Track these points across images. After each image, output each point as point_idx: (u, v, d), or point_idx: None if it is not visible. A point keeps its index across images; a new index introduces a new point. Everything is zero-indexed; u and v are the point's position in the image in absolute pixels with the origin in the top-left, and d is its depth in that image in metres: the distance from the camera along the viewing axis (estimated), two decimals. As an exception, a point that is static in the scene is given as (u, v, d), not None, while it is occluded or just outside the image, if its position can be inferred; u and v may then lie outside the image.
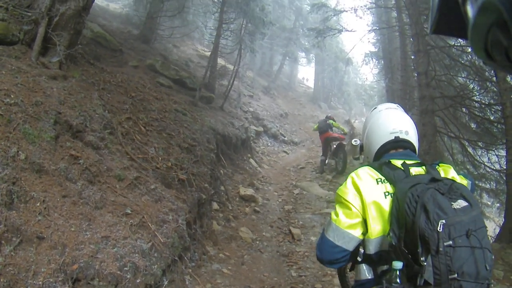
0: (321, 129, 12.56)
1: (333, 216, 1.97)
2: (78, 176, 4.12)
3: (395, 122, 2.19)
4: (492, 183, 13.09)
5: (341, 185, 2.02)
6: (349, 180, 1.98)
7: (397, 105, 2.39)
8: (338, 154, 12.00)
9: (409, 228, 1.69)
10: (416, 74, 13.51)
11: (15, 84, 4.36)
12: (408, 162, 2.02)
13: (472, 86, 12.95)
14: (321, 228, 7.62)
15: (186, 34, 15.53)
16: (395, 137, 2.15)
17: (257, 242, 6.71)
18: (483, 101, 12.20)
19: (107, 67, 6.94)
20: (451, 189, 1.75)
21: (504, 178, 11.25)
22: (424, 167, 2.04)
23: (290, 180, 11.16)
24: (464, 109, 12.86)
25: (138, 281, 3.55)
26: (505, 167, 10.57)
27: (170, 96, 8.21)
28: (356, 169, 2.05)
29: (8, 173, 3.37)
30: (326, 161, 12.43)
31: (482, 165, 12.88)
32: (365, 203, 1.87)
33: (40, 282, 2.83)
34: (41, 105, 4.39)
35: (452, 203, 1.68)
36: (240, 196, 8.39)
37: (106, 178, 4.48)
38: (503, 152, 12.13)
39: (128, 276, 3.46)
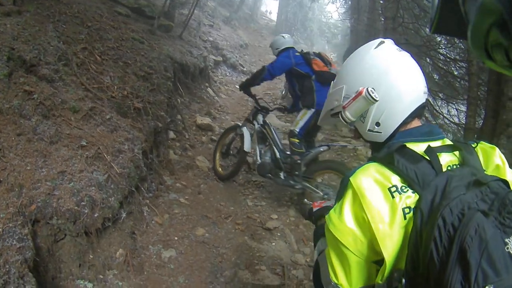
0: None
1: (332, 275, 1.25)
2: (32, 112, 3.96)
3: (421, 75, 1.44)
4: (449, 134, 13.51)
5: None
6: (346, 203, 1.23)
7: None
8: None
9: (432, 283, 1.00)
10: (383, 18, 13.35)
11: (-33, 22, 4.03)
12: (433, 144, 1.31)
13: (440, 39, 12.83)
14: None
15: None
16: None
17: (213, 171, 6.68)
18: (448, 55, 12.20)
19: (62, -1, 6.41)
20: (504, 206, 1.03)
21: (462, 132, 11.64)
22: (457, 151, 1.32)
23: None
24: (428, 60, 12.88)
25: (96, 215, 3.54)
26: (464, 122, 10.88)
27: (127, 25, 7.77)
28: (355, 170, 1.28)
29: None
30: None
31: (441, 116, 13.18)
32: (377, 242, 1.14)
33: (0, 229, 2.79)
34: (-7, 43, 4.10)
35: (508, 241, 0.96)
36: (197, 125, 8.31)
37: (61, 111, 4.31)
38: (463, 107, 12.43)
39: (86, 211, 3.44)
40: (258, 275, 4.34)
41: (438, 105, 13.31)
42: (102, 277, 3.58)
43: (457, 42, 11.66)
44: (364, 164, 1.28)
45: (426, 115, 13.77)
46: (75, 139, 4.10)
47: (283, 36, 6.35)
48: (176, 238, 4.69)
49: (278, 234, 5.18)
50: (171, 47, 9.04)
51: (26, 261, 2.76)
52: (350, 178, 1.23)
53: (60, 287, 3.21)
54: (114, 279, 3.68)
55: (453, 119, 13.26)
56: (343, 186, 1.27)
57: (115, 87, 5.56)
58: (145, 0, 9.97)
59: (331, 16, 33.98)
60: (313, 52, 6.03)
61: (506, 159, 1.39)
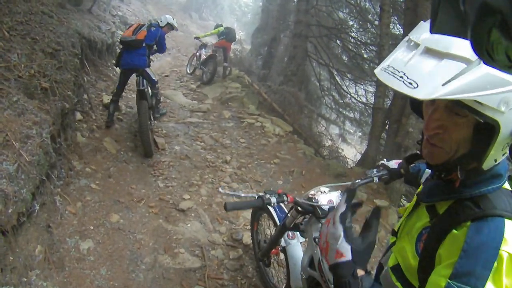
0: (228, 36, 12.38)
1: None
2: None
3: None
4: (356, 113, 14.48)
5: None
6: (504, 277, 1.06)
7: None
8: (208, 64, 12.01)
9: None
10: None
11: None
12: None
13: (352, 23, 13.58)
14: (184, 137, 7.89)
15: None
16: None
17: (122, 153, 6.76)
18: (359, 39, 13.02)
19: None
20: None
21: (369, 111, 12.54)
22: None
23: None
24: (338, 42, 13.61)
25: (9, 210, 3.37)
26: (371, 102, 11.73)
27: (37, -3, 7.42)
28: (493, 236, 1.12)
29: None
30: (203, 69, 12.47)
31: (348, 96, 14.08)
32: None
33: None
34: None
35: None
36: (104, 105, 8.21)
37: None
38: (371, 88, 13.39)
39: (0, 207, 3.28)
40: (178, 259, 4.50)
41: (346, 85, 14.30)
42: (25, 279, 3.48)
43: (370, 27, 12.65)
44: (495, 222, 1.16)
45: (333, 94, 14.76)
46: None
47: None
48: (91, 227, 4.71)
49: (192, 214, 5.35)
50: (79, 21, 8.81)
51: None
52: (503, 248, 1.09)
53: None
54: (38, 280, 3.62)
55: (360, 98, 14.41)
56: (490, 256, 1.10)
57: (22, 65, 5.39)
58: (56, -30, 9.51)
59: None
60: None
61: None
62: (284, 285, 3.55)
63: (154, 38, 7.55)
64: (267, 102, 11.42)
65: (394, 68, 1.12)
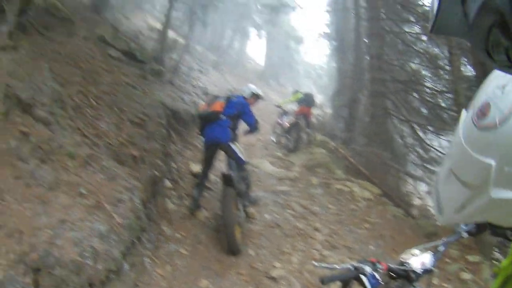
0: (307, 102, 12.24)
1: None
2: (29, 154, 3.83)
3: None
4: None
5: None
6: None
7: None
8: (291, 132, 11.83)
9: None
10: (368, 57, 13.59)
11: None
12: None
13: (424, 72, 13.14)
14: (274, 205, 7.64)
15: (137, 5, 14.79)
16: None
17: (211, 220, 6.54)
18: (435, 88, 12.49)
19: (57, 38, 6.44)
20: None
21: None
22: None
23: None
24: (415, 94, 13.14)
25: (99, 267, 3.36)
26: None
27: (120, 69, 7.78)
28: None
29: None
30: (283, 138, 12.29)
31: (432, 149, 13.32)
32: None
33: (1, 276, 2.59)
34: (-10, 77, 3.99)
35: None
36: (191, 173, 8.06)
37: (58, 156, 4.19)
38: None
39: (89, 263, 3.27)
40: None
41: (428, 138, 13.44)
42: None
43: (442, 73, 12.00)
44: None
45: (417, 149, 13.95)
46: (74, 186, 3.95)
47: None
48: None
49: (283, 282, 5.12)
50: (162, 92, 9.06)
51: None
52: None
53: None
54: None
55: (444, 150, 13.40)
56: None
57: (112, 133, 5.48)
58: (137, 44, 10.10)
59: (317, 58, 34.79)
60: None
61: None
62: None
63: (236, 108, 6.43)
64: (353, 165, 11.02)
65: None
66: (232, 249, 5.53)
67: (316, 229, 6.77)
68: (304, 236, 6.48)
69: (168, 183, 6.86)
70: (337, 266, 2.85)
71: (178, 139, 9.23)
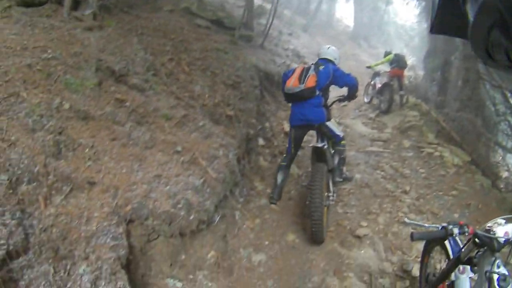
0: (399, 63, 11.45)
1: None
2: (125, 118, 3.92)
3: None
4: None
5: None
6: None
7: None
8: (384, 93, 11.20)
9: None
10: None
11: (51, 39, 4.13)
12: None
13: None
14: (365, 165, 7.40)
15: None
16: None
17: (303, 177, 6.38)
18: None
19: (142, 14, 6.56)
20: None
21: None
22: None
23: (334, 117, 10.69)
24: None
25: (191, 217, 3.40)
26: None
27: (209, 36, 7.75)
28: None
29: (54, 124, 3.18)
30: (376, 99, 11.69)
31: None
32: None
33: (94, 228, 2.68)
34: (80, 55, 4.15)
35: None
36: (285, 132, 7.88)
37: (153, 118, 4.27)
38: None
39: (182, 213, 3.31)
40: (346, 282, 4.20)
41: None
42: (192, 277, 3.47)
43: None
44: None
45: (509, 118, 12.40)
46: (169, 144, 4.00)
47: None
48: (266, 242, 4.55)
49: (367, 242, 4.96)
50: (254, 56, 8.89)
51: (119, 259, 2.65)
52: None
53: (150, 285, 3.11)
54: (204, 280, 3.58)
55: None
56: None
57: (206, 95, 5.48)
58: (223, 12, 10.00)
59: (407, 19, 32.44)
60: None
61: None
62: None
63: (328, 78, 5.16)
64: (446, 130, 10.09)
65: None
66: (316, 239, 4.64)
67: (405, 192, 6.44)
68: (392, 198, 6.19)
69: (261, 141, 6.82)
70: (426, 225, 3.05)
71: (271, 100, 9.10)
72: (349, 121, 10.40)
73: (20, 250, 2.26)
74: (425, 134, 9.58)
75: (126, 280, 2.60)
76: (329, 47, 5.69)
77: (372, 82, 12.05)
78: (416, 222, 3.80)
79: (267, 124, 7.54)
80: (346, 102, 6.23)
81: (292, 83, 4.95)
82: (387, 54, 11.97)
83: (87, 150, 3.20)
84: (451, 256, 3.14)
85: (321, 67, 5.10)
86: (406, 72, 12.67)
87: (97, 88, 3.90)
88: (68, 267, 2.40)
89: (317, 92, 4.97)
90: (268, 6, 12.27)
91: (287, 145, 5.37)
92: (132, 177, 3.26)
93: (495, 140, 12.36)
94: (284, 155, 5.36)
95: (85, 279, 2.38)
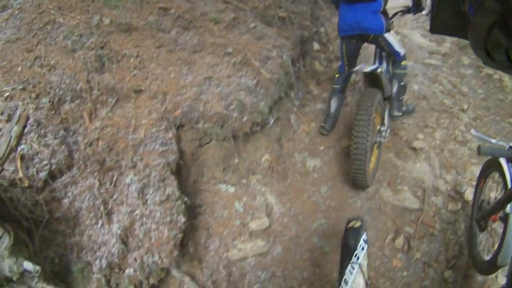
0: None
1: None
2: (171, 25, 3.66)
3: None
4: None
5: None
6: None
7: None
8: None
9: None
10: None
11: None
12: None
13: None
14: (423, 77, 6.81)
15: None
16: None
17: (360, 84, 5.88)
18: None
19: None
20: None
21: None
22: None
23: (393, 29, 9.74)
24: None
25: (244, 119, 3.17)
26: None
27: None
28: None
29: (94, 40, 3.03)
30: None
31: None
32: None
33: (142, 135, 2.58)
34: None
35: None
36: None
37: (201, 22, 3.96)
38: None
39: (235, 115, 3.09)
40: (399, 195, 4.01)
41: None
42: (245, 181, 3.35)
43: None
44: None
45: None
46: (219, 47, 3.73)
47: None
48: (322, 147, 4.32)
49: (423, 155, 4.66)
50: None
51: (168, 164, 2.53)
52: None
53: (201, 190, 3.04)
54: (257, 184, 3.45)
55: None
56: None
57: (256, -2, 5.05)
58: None
59: None
60: None
61: None
62: (489, 257, 2.89)
63: None
64: None
65: None
66: (357, 185, 3.72)
67: (462, 110, 5.96)
68: (450, 114, 5.73)
69: (316, 45, 6.32)
70: (494, 141, 2.88)
71: (326, 6, 8.43)
72: (406, 31, 9.53)
73: (63, 168, 2.25)
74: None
75: (176, 186, 2.51)
76: None
77: None
78: (483, 136, 3.30)
79: (322, 29, 6.94)
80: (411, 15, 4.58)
81: None
82: None
83: (131, 60, 3.04)
84: (510, 185, 2.83)
85: None
86: None
87: (137, 0, 3.62)
88: (115, 178, 2.35)
89: None
90: None
91: (340, 63, 4.33)
92: (181, 81, 3.08)
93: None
94: (337, 74, 4.37)
95: (132, 188, 2.32)
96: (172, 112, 2.79)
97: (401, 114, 4.48)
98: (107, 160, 2.36)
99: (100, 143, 2.40)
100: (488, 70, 7.69)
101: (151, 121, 2.64)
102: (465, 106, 6.08)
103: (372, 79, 3.93)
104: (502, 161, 2.60)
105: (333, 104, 4.27)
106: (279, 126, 3.96)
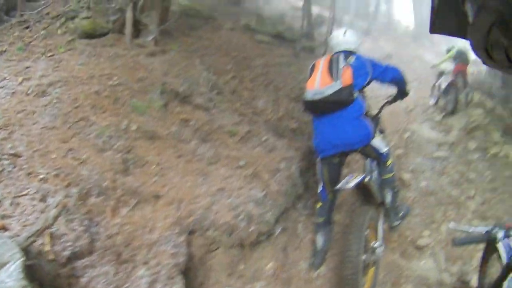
0: (462, 58, 10.97)
1: None
2: (190, 136, 4.15)
3: None
4: None
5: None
6: None
7: None
8: (449, 93, 10.67)
9: None
10: None
11: (115, 67, 4.48)
12: None
13: None
14: (431, 172, 7.16)
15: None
16: None
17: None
18: None
19: (203, 35, 6.90)
20: None
21: None
22: None
23: (401, 124, 10.32)
24: None
25: (251, 229, 3.46)
26: None
27: (270, 51, 7.96)
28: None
29: (122, 144, 3.50)
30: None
31: None
32: None
33: (157, 236, 2.88)
34: (145, 80, 4.46)
35: None
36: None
37: (218, 135, 4.45)
38: None
39: (242, 225, 3.39)
40: None
41: None
42: (249, 287, 3.51)
43: None
44: None
45: None
46: (233, 159, 4.14)
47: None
48: (328, 255, 4.38)
49: (428, 252, 4.80)
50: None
51: (178, 265, 2.80)
52: None
53: None
54: None
55: None
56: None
57: (269, 110, 5.62)
58: (283, 25, 10.20)
59: None
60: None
61: None
62: None
63: (366, 73, 3.60)
64: (511, 126, 9.47)
65: None
66: None
67: (470, 197, 6.22)
68: (457, 204, 6.00)
69: None
70: (471, 229, 2.79)
71: None
72: (416, 126, 10.10)
73: (85, 252, 2.53)
74: (490, 133, 9.18)
75: (183, 285, 2.76)
76: (345, 32, 4.05)
77: (437, 83, 11.59)
78: (460, 228, 3.39)
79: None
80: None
81: (319, 82, 3.44)
82: (449, 50, 11.53)
83: (153, 166, 3.46)
84: (504, 264, 2.83)
85: (352, 59, 3.56)
86: (469, 68, 12.19)
87: (163, 109, 4.19)
88: (129, 270, 2.62)
89: (355, 95, 3.44)
90: (327, 13, 12.24)
91: (319, 188, 3.88)
92: (196, 190, 3.44)
93: None
94: (318, 204, 3.90)
95: (143, 281, 2.57)
96: (186, 218, 3.10)
97: (399, 222, 4.12)
98: (124, 253, 2.64)
99: (119, 238, 2.70)
100: (494, 150, 8.02)
101: (166, 224, 2.95)
102: (472, 193, 6.27)
103: (362, 191, 3.87)
104: (499, 242, 2.54)
105: (320, 239, 3.82)
106: (285, 236, 4.16)
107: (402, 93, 4.05)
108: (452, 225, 3.96)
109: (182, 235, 2.99)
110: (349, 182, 3.45)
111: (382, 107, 4.24)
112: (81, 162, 3.13)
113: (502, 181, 6.83)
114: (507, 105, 10.90)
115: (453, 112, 10.42)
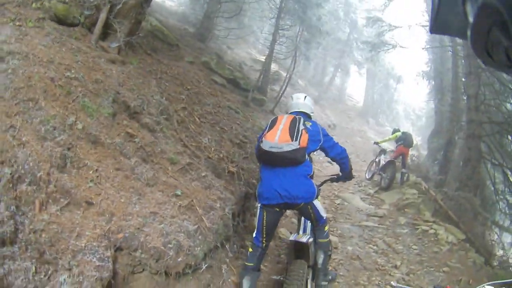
0: (405, 142, 11.83)
1: None
2: (132, 152, 4.04)
3: None
4: None
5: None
6: None
7: None
8: (386, 170, 11.45)
9: None
10: (465, 97, 12.86)
11: (76, 61, 4.34)
12: None
13: None
14: (358, 239, 7.50)
15: (241, 37, 15.40)
16: None
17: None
18: None
19: (163, 60, 6.95)
20: None
21: None
22: None
23: (333, 190, 10.74)
24: (510, 137, 12.09)
25: (179, 259, 3.42)
26: None
27: (223, 94, 8.12)
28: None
29: (64, 139, 3.33)
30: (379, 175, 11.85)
31: None
32: None
33: (83, 244, 2.71)
34: (101, 83, 4.35)
35: None
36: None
37: (159, 159, 4.39)
38: None
39: (171, 253, 3.33)
40: None
41: None
42: None
43: None
44: None
45: (508, 197, 12.60)
46: (170, 187, 4.09)
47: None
48: None
49: None
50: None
51: (101, 280, 2.66)
52: None
53: None
54: None
55: None
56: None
57: (212, 148, 5.66)
58: (240, 73, 10.49)
59: (416, 98, 33.81)
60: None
61: None
62: None
63: (318, 140, 3.94)
64: (443, 209, 10.39)
65: None
66: None
67: (395, 267, 6.56)
68: (382, 271, 6.29)
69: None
70: None
71: None
72: (347, 195, 10.59)
73: (7, 241, 2.33)
74: (422, 212, 9.78)
75: None
76: (305, 96, 4.51)
77: (377, 159, 12.35)
78: (402, 287, 3.67)
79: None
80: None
81: (279, 138, 3.59)
82: (395, 131, 12.41)
83: (91, 172, 3.29)
84: None
85: (309, 124, 3.91)
86: (411, 151, 13.09)
87: (111, 118, 4.06)
88: (50, 272, 2.44)
89: (306, 156, 3.73)
90: (284, 73, 12.80)
91: (254, 234, 3.89)
92: (129, 208, 3.31)
93: (492, 219, 12.51)
94: (250, 249, 3.90)
95: None
96: (115, 233, 2.95)
97: (326, 284, 4.06)
98: (47, 252, 2.44)
99: (44, 235, 2.49)
100: (424, 227, 8.51)
101: (94, 235, 2.78)
102: (398, 263, 6.56)
103: (300, 249, 3.92)
104: None
105: (246, 284, 3.70)
106: (210, 273, 4.10)
107: (346, 176, 4.40)
108: (394, 284, 4.09)
109: (109, 249, 2.83)
110: (302, 237, 3.88)
111: (325, 181, 4.68)
112: (20, 144, 2.92)
113: (429, 255, 7.19)
114: (441, 189, 11.68)
115: (387, 188, 11.01)
